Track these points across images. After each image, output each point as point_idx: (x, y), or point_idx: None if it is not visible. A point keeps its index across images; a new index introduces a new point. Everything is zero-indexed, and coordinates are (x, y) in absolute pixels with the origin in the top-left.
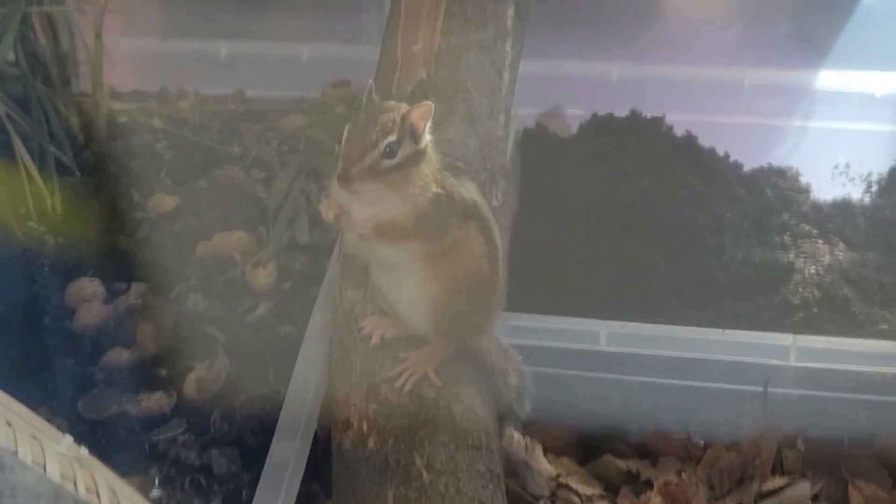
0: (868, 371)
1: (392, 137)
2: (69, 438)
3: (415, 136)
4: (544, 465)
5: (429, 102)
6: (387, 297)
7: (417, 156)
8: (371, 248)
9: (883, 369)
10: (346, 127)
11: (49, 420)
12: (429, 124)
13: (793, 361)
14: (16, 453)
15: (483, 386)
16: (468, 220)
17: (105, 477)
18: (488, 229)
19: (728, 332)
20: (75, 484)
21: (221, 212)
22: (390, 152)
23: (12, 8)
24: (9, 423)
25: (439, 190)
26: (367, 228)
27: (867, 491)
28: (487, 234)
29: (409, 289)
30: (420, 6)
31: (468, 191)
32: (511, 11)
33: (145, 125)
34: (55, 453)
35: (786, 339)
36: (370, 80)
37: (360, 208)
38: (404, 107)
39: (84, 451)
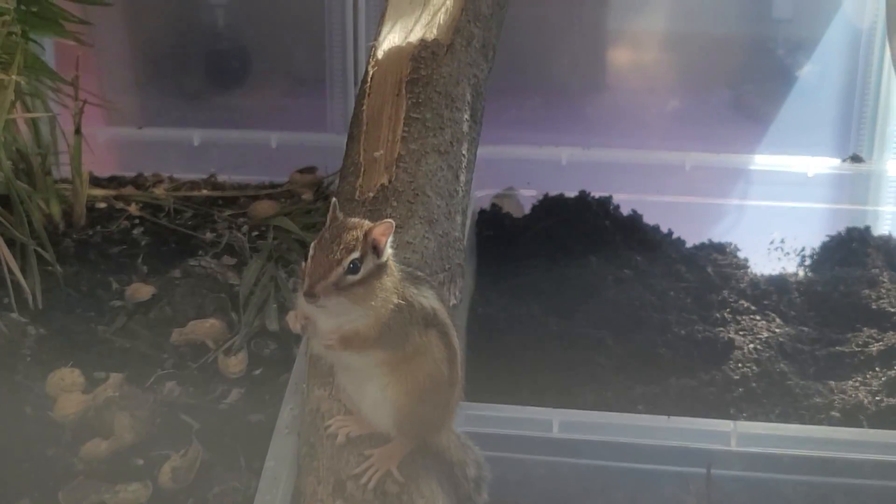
0: (804, 453)
1: (355, 254)
2: None
3: (377, 252)
4: None
5: (390, 220)
6: (351, 397)
7: (379, 269)
8: (336, 355)
9: (817, 452)
10: (312, 244)
11: None
12: (390, 240)
13: (734, 446)
14: None
15: (443, 478)
16: (428, 328)
17: None
18: (447, 335)
19: (672, 418)
20: None
21: (195, 299)
22: (354, 269)
23: None
24: None
25: (401, 301)
26: (332, 339)
27: None
28: (447, 339)
29: (372, 392)
30: (381, 113)
31: (428, 299)
32: (466, 116)
33: (122, 211)
34: None
35: (727, 425)
36: (334, 200)
37: (325, 320)
38: (367, 224)
39: None
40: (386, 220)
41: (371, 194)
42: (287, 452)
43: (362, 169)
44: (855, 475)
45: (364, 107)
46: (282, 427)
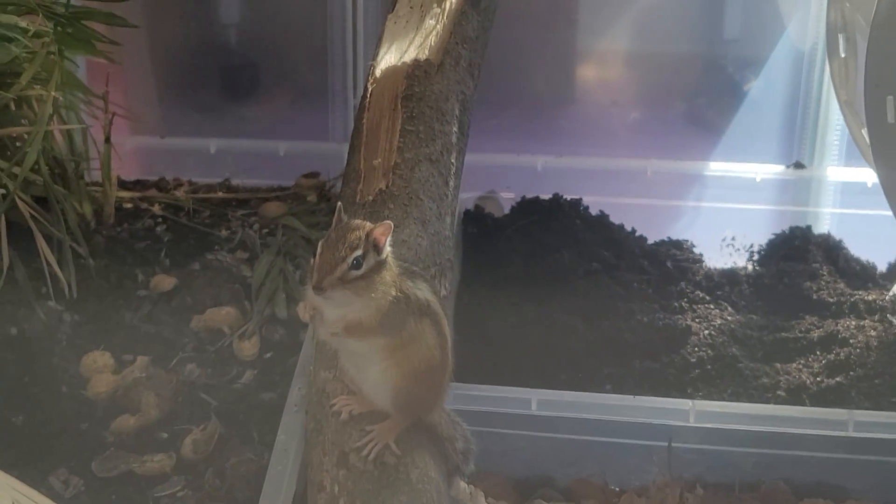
0: (754, 429)
1: (358, 252)
2: None
3: (377, 250)
4: None
5: (389, 222)
6: (354, 379)
7: (380, 265)
8: (341, 342)
9: (765, 427)
10: (320, 243)
11: (67, 479)
12: (389, 239)
13: (692, 422)
14: None
15: (435, 451)
16: (423, 317)
17: None
18: (439, 324)
19: (638, 398)
20: None
21: (212, 290)
22: (357, 265)
23: (37, 127)
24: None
25: (398, 293)
26: (337, 327)
27: None
28: (439, 328)
29: (373, 374)
30: (379, 126)
31: (422, 292)
32: (455, 128)
33: (147, 211)
34: None
35: (686, 403)
36: (339, 203)
37: (331, 311)
38: (368, 225)
39: None
40: (385, 221)
41: (370, 198)
42: (296, 428)
43: (362, 175)
44: (798, 448)
45: (364, 120)
46: (291, 405)
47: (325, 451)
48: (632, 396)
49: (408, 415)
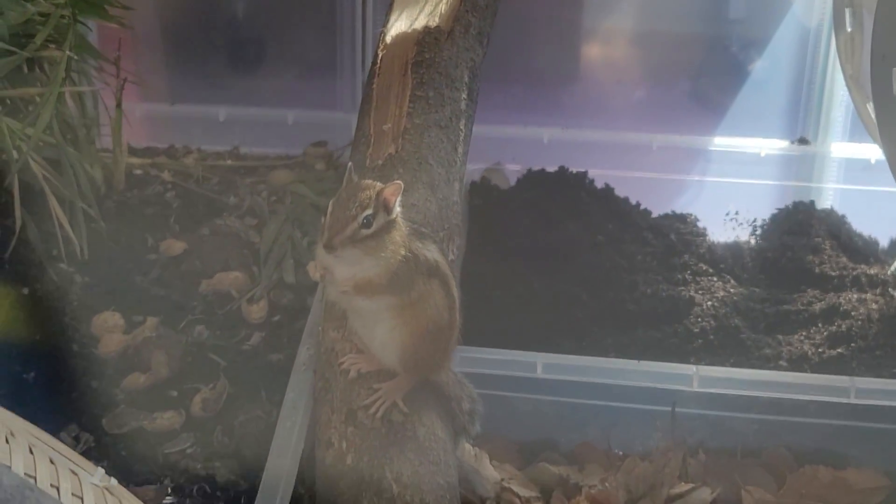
0: (756, 395)
1: (368, 211)
2: (101, 471)
3: (387, 209)
4: (490, 471)
5: (399, 182)
6: (362, 338)
7: (389, 225)
8: (350, 300)
9: (768, 393)
10: (331, 202)
11: (77, 435)
12: (399, 199)
13: (695, 387)
14: (57, 492)
15: (442, 411)
16: (431, 278)
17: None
18: (448, 285)
19: (642, 363)
20: None
21: (221, 254)
22: (367, 224)
23: (51, 88)
24: (52, 461)
25: (408, 253)
26: (347, 286)
27: (756, 495)
28: (447, 288)
29: (381, 333)
30: (389, 91)
31: (431, 252)
32: (464, 95)
33: (157, 178)
34: (90, 485)
35: (689, 369)
36: (350, 163)
37: (341, 269)
38: (378, 185)
39: (113, 481)
40: (395, 181)
41: (380, 162)
42: (305, 386)
43: (372, 140)
44: (800, 414)
45: (374, 85)
46: (300, 364)
47: (333, 408)
48: (636, 361)
49: (415, 374)
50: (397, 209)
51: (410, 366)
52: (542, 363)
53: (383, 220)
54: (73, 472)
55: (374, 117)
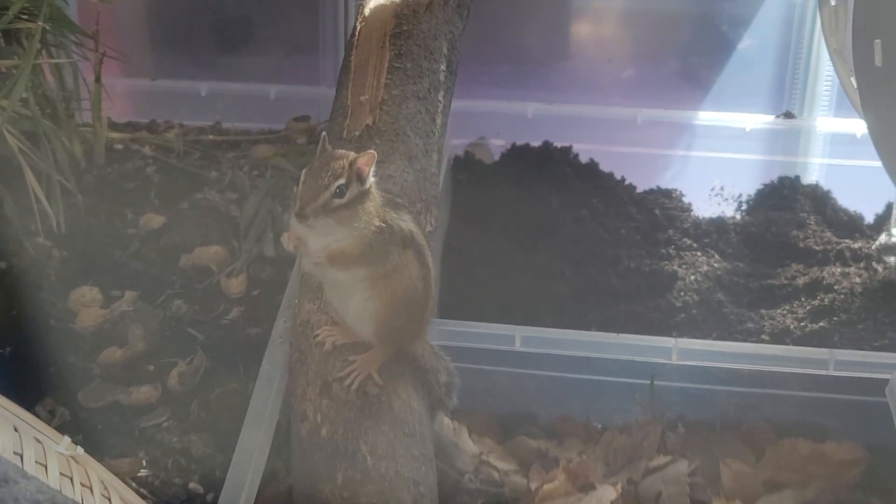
0: (736, 368)
1: (341, 181)
2: (67, 439)
3: (361, 179)
4: (469, 445)
5: (372, 151)
6: (337, 310)
7: (363, 195)
8: (324, 271)
9: (747, 366)
10: (303, 171)
11: (53, 409)
12: (372, 169)
13: (675, 360)
14: (21, 459)
15: (417, 383)
16: (406, 248)
17: (98, 472)
18: (423, 255)
19: (621, 335)
20: (72, 480)
21: (201, 229)
22: (340, 193)
23: (25, 60)
24: (15, 429)
25: (382, 223)
26: (320, 257)
27: (735, 467)
28: (422, 259)
29: (356, 305)
30: (367, 63)
31: (406, 223)
32: (443, 67)
33: (137, 152)
34: (55, 453)
35: (669, 341)
36: (323, 133)
37: (315, 240)
38: (352, 154)
39: (79, 450)
40: (369, 151)
41: (357, 133)
42: (280, 358)
43: (349, 111)
44: (780, 387)
45: (352, 57)
46: (276, 337)
47: (308, 381)
48: (615, 334)
49: (390, 345)
50: (371, 179)
51: (385, 337)
52: (520, 336)
53: (357, 189)
54: (38, 441)
55: (351, 89)
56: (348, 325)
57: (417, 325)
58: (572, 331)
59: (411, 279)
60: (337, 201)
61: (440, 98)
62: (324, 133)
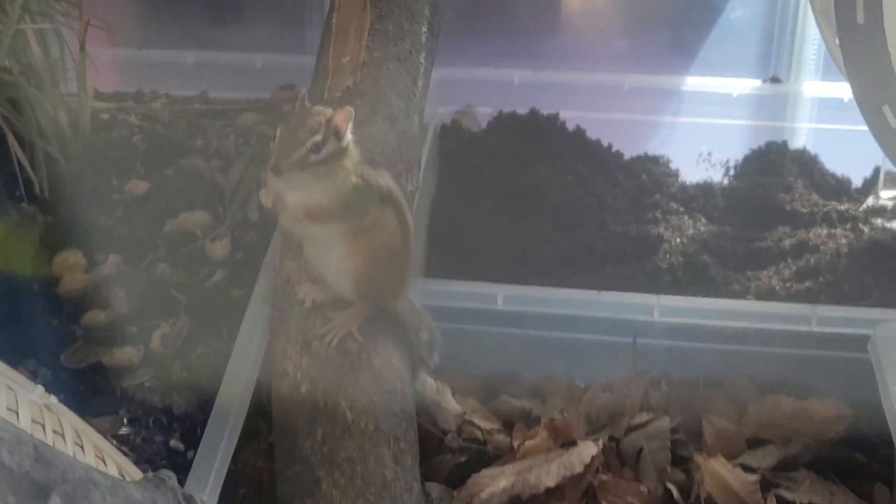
0: (719, 325)
1: (318, 137)
2: (40, 388)
3: (338, 136)
4: (452, 405)
5: (349, 108)
6: (317, 267)
7: (340, 152)
8: (303, 228)
9: (731, 323)
10: (280, 127)
11: (35, 370)
12: (350, 125)
13: (656, 317)
14: None
15: (398, 340)
16: (384, 205)
17: (71, 421)
18: (401, 212)
19: (603, 293)
20: (44, 427)
21: (186, 195)
22: (316, 149)
23: (7, 25)
24: None
25: (359, 180)
26: (298, 213)
27: (718, 424)
28: (401, 216)
29: (335, 261)
30: (348, 25)
31: (384, 179)
32: (424, 28)
33: (123, 122)
34: (27, 401)
35: (651, 298)
36: (302, 89)
37: (292, 196)
38: (329, 111)
39: (53, 399)
40: (346, 107)
41: (338, 94)
42: (261, 318)
43: (330, 73)
44: (763, 344)
45: (334, 19)
46: (257, 297)
47: (289, 338)
48: (597, 291)
49: (370, 302)
50: (349, 136)
51: (364, 294)
52: (502, 295)
53: (334, 146)
54: (10, 388)
55: (332, 51)
56: (328, 282)
57: (397, 281)
58: (554, 289)
59: (390, 235)
60: (313, 157)
61: (422, 60)
62: (303, 90)
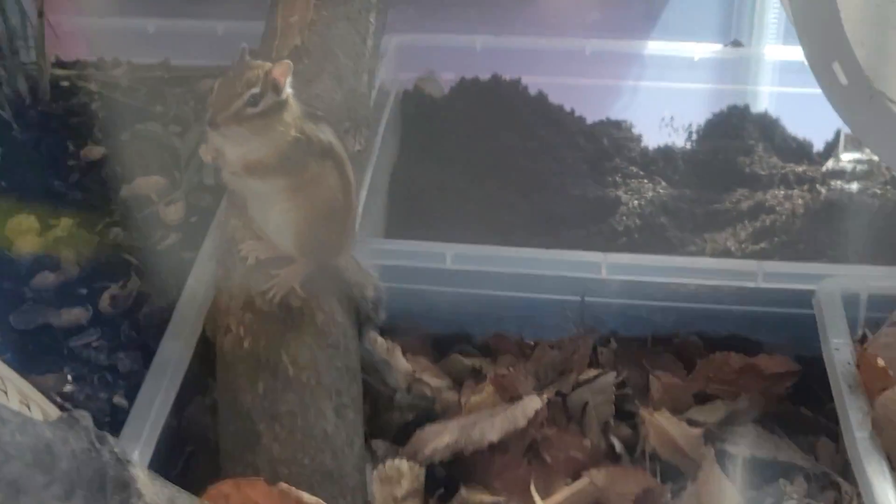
0: (666, 282)
1: (255, 90)
2: None
3: (276, 89)
4: (402, 364)
5: (288, 61)
6: (259, 224)
7: (279, 105)
8: (243, 183)
9: (678, 280)
10: (217, 81)
11: None
12: (289, 79)
13: (605, 275)
14: None
15: (343, 297)
16: (324, 160)
17: (14, 381)
18: (342, 168)
19: (552, 251)
20: None
21: (142, 160)
22: (253, 102)
23: None
24: None
25: (299, 134)
26: (237, 167)
27: (665, 379)
28: (342, 170)
29: (275, 216)
30: None
31: (325, 134)
32: None
33: (83, 89)
34: None
35: (598, 256)
36: (244, 45)
37: (231, 150)
38: (267, 64)
39: None
40: (284, 60)
41: (286, 53)
42: (206, 275)
43: (279, 32)
44: (711, 301)
45: None
46: (204, 255)
47: (232, 295)
48: (545, 250)
49: (312, 258)
50: (288, 90)
51: (307, 249)
52: (451, 254)
53: (272, 100)
54: None
55: (282, 10)
56: (270, 238)
57: (338, 237)
58: (502, 247)
59: (330, 190)
60: (250, 110)
61: (371, 20)
62: (244, 45)
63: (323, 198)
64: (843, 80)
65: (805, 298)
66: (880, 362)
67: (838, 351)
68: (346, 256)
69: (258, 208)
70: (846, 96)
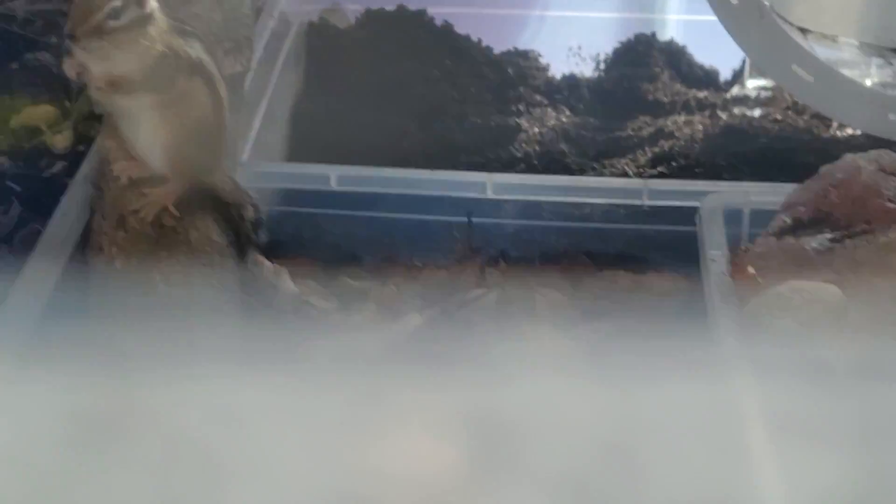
0: (553, 200)
1: (116, 2)
2: None
3: (140, 3)
4: (289, 286)
5: None
6: (130, 142)
7: (143, 19)
8: (110, 100)
9: (565, 198)
10: None
11: None
12: None
13: (489, 194)
14: None
15: (219, 217)
16: (193, 76)
17: None
18: (213, 84)
19: (436, 171)
20: None
21: (31, 89)
22: (115, 14)
23: None
24: None
25: (165, 49)
26: (101, 83)
27: (550, 297)
28: (212, 88)
29: (145, 134)
30: None
31: (194, 50)
32: None
33: None
34: None
35: (482, 176)
36: None
37: (95, 65)
38: None
39: None
40: None
41: None
42: (80, 197)
43: None
44: (599, 220)
45: None
46: (80, 178)
47: (104, 215)
48: (429, 170)
49: (184, 177)
50: (153, 3)
51: (178, 168)
52: (335, 175)
53: (136, 13)
54: None
55: None
56: (142, 157)
57: (211, 155)
58: (387, 168)
59: (200, 107)
60: (112, 23)
61: None
62: None
63: (193, 115)
64: None
65: (691, 216)
66: (751, 270)
67: (714, 262)
68: (222, 176)
69: (128, 126)
70: (737, 15)
